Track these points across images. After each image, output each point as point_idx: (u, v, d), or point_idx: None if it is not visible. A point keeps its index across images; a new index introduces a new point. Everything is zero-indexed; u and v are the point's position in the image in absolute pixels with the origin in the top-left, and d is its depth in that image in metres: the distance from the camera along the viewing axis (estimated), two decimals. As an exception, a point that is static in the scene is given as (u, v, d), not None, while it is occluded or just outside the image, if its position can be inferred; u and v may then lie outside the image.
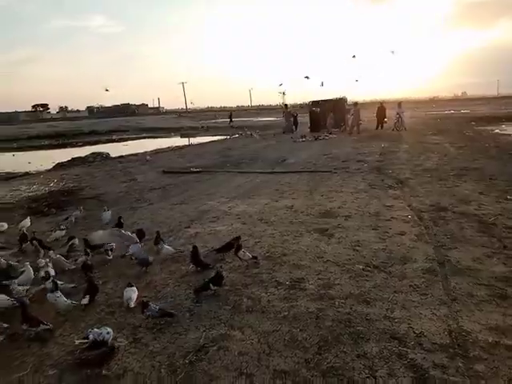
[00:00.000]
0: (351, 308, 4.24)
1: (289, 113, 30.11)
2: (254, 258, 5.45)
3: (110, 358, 3.58)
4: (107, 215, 7.91)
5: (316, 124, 28.52)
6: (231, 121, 43.47)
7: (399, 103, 26.10)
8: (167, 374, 3.36)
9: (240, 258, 5.43)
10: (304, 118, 32.64)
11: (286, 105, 30.97)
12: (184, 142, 32.33)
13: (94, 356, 3.58)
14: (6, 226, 7.81)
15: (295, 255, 5.73)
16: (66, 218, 8.06)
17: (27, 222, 7.72)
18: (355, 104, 26.02)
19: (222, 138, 31.30)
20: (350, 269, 5.20)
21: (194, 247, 5.47)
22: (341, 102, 28.66)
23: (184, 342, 3.79)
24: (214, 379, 3.26)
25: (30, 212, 9.28)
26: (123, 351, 3.73)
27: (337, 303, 4.34)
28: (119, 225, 6.97)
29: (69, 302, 4.50)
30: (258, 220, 7.64)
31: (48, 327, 4.09)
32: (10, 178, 15.79)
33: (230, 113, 47.36)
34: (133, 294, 4.53)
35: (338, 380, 3.16)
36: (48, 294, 4.55)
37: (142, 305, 4.16)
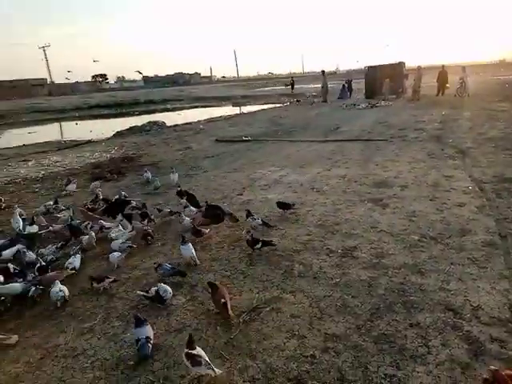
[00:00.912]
0: (405, 278, 4.19)
1: (325, 80, 28.58)
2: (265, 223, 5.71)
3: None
4: (175, 176, 8.66)
5: (372, 90, 27.33)
6: (292, 88, 42.12)
7: (463, 67, 24.20)
8: (223, 331, 3.56)
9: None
10: (358, 85, 31.42)
11: (323, 71, 29.57)
12: (235, 110, 32.42)
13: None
14: (75, 186, 8.61)
15: (348, 224, 5.70)
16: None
17: (97, 184, 8.54)
18: (418, 68, 24.33)
19: (273, 106, 31.00)
20: (404, 239, 5.10)
21: (248, 211, 5.79)
22: (399, 66, 27.09)
23: (238, 302, 3.96)
24: (267, 338, 3.41)
25: (94, 177, 9.90)
26: (181, 308, 3.98)
27: (390, 273, 4.31)
28: (180, 193, 7.22)
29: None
30: (310, 189, 7.62)
31: (113, 279, 4.48)
32: (74, 145, 16.80)
33: (292, 80, 45.85)
34: (190, 251, 4.83)
35: (390, 347, 3.19)
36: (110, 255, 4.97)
37: (156, 266, 4.54)
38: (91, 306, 4.18)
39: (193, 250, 4.84)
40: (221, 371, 2.96)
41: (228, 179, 8.98)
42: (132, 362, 3.25)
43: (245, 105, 37.34)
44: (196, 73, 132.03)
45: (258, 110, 28.22)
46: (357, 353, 3.15)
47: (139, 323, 3.40)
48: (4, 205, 7.87)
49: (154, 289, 4.03)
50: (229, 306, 3.68)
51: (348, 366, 3.03)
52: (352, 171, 8.67)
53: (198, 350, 3.00)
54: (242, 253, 5.05)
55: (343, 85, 30.83)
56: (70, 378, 3.16)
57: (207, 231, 5.57)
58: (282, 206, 6.30)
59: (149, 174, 9.19)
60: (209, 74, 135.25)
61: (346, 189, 7.40)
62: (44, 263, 4.87)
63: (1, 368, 3.36)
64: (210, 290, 3.94)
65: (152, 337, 3.37)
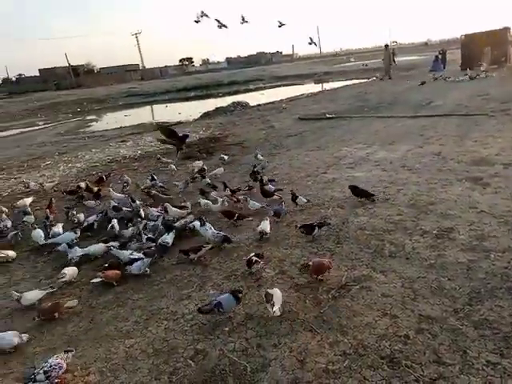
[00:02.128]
0: (509, 262, 3.86)
1: (387, 54, 25.94)
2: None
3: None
4: (260, 157, 8.83)
5: (469, 61, 24.74)
6: (394, 61, 38.95)
7: None
8: (312, 305, 3.62)
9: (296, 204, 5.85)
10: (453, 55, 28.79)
11: (386, 45, 27.00)
12: (318, 88, 31.72)
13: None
14: (174, 167, 9.11)
15: (443, 204, 5.36)
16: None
17: (199, 163, 9.05)
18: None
19: (358, 81, 29.73)
20: (509, 221, 4.67)
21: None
22: (501, 33, 24.19)
23: (326, 278, 3.98)
24: (357, 315, 3.39)
25: (185, 156, 10.49)
26: (271, 281, 4.12)
27: (492, 256, 3.99)
28: (254, 173, 7.40)
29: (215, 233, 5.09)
30: (400, 167, 7.26)
31: (210, 247, 4.82)
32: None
33: (393, 51, 42.09)
34: (267, 226, 5.02)
35: (493, 333, 2.99)
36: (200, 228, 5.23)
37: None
38: (188, 275, 4.51)
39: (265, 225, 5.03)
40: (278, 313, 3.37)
41: (311, 157, 8.92)
42: (227, 329, 3.47)
43: (327, 81, 36.33)
44: (277, 52, 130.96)
45: (342, 87, 27.32)
46: (455, 336, 3.01)
47: (232, 292, 3.62)
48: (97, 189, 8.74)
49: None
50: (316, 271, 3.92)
51: (445, 349, 2.91)
52: (447, 148, 8.06)
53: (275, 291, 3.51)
54: (330, 230, 5.03)
55: (436, 56, 28.41)
56: (173, 338, 3.47)
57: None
58: (359, 193, 5.79)
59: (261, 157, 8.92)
60: (290, 52, 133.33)
61: (440, 167, 6.93)
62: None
63: (113, 324, 3.80)
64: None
65: (224, 308, 3.51)
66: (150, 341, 3.47)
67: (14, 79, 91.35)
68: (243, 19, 18.91)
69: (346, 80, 33.58)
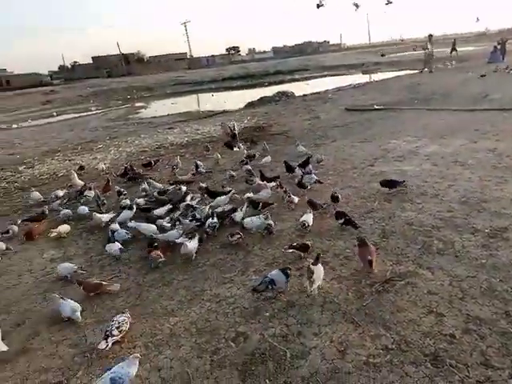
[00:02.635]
0: None
1: (430, 44, 24.09)
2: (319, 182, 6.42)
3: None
4: (301, 148, 8.76)
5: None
6: (455, 50, 36.60)
7: None
8: (354, 298, 3.59)
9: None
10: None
11: (430, 35, 25.10)
12: (366, 78, 30.83)
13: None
14: (219, 155, 9.25)
15: (497, 202, 5.09)
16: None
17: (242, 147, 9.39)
18: None
19: (409, 72, 28.57)
20: None
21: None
22: None
23: (370, 272, 3.92)
24: (401, 311, 3.33)
25: (229, 145, 10.60)
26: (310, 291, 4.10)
27: (551, 260, 3.77)
28: (306, 163, 7.28)
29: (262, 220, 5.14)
30: (452, 162, 6.96)
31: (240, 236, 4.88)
32: (211, 115, 18.11)
33: (454, 40, 39.51)
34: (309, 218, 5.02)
35: (549, 340, 2.84)
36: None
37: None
38: (231, 260, 4.60)
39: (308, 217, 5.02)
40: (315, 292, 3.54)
41: (358, 149, 8.73)
42: (268, 314, 3.52)
43: (376, 72, 35.19)
44: (325, 41, 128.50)
45: (392, 77, 26.36)
46: (506, 340, 2.89)
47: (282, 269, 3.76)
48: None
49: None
50: (374, 264, 3.84)
51: (494, 352, 2.80)
52: (504, 144, 7.62)
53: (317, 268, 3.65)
54: (375, 224, 4.94)
55: (495, 46, 26.71)
56: (215, 319, 3.57)
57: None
58: (387, 184, 5.82)
59: (301, 148, 8.80)
60: (338, 42, 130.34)
61: (495, 164, 6.57)
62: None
63: (159, 302, 3.96)
64: (357, 244, 4.06)
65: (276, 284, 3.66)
66: (194, 320, 3.59)
67: (69, 66, 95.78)
68: (320, 2, 18.50)
69: (398, 71, 32.35)
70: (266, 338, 3.23)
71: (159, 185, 7.37)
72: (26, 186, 9.10)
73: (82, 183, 7.98)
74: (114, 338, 3.32)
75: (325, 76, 39.60)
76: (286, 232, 5.09)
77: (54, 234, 5.76)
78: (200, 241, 4.89)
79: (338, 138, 10.04)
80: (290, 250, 4.39)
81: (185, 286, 4.19)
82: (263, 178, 6.90)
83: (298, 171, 6.97)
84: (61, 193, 7.55)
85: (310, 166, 7.12)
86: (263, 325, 3.39)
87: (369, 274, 3.87)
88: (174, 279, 4.34)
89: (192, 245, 4.68)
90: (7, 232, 5.96)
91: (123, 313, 3.57)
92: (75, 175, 8.24)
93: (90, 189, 7.22)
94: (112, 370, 2.86)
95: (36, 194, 7.58)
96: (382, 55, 32.59)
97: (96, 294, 4.18)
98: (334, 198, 5.53)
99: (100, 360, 3.26)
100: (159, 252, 4.68)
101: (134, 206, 6.09)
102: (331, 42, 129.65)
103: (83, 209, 6.51)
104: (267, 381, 2.84)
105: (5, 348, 3.47)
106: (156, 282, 4.33)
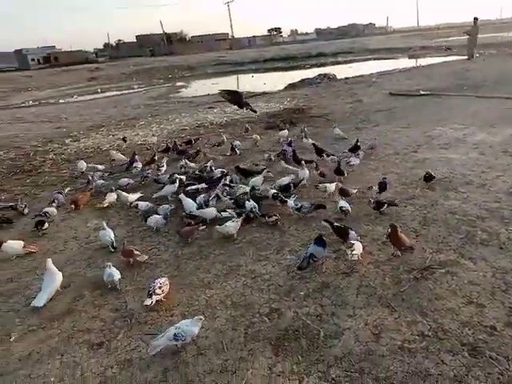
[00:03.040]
0: None
1: (475, 29, 21.75)
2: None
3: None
4: (337, 130, 8.67)
5: None
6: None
7: None
8: (391, 283, 3.54)
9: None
10: None
11: (475, 18, 22.44)
12: (412, 63, 29.58)
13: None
14: (258, 137, 9.20)
15: (550, 195, 4.83)
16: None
17: (285, 132, 9.20)
18: None
19: (458, 58, 27.15)
20: None
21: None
22: None
23: (409, 258, 3.86)
24: (439, 299, 3.26)
25: (268, 126, 10.57)
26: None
27: None
28: (356, 147, 7.10)
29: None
30: (502, 152, 6.62)
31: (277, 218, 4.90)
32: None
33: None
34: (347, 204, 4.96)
35: None
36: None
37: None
38: (266, 238, 4.64)
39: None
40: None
41: (401, 135, 8.47)
42: (302, 293, 3.54)
43: (423, 56, 33.65)
44: (370, 23, 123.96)
45: (439, 63, 25.16)
46: (551, 336, 2.77)
47: (316, 241, 3.83)
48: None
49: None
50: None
51: (538, 348, 2.70)
52: (561, 135, 7.16)
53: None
54: (416, 211, 4.81)
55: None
56: (250, 294, 3.64)
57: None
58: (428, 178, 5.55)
59: (338, 131, 8.74)
60: (384, 25, 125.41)
61: (551, 155, 6.21)
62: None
63: (196, 275, 4.07)
64: (389, 231, 4.00)
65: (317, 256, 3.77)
66: (229, 294, 3.68)
67: (113, 44, 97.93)
68: None
69: (445, 56, 30.81)
70: (300, 316, 3.27)
71: (193, 164, 7.49)
72: (72, 157, 9.49)
73: (124, 158, 8.26)
74: (158, 296, 3.55)
75: (369, 59, 38.28)
76: (323, 215, 5.05)
77: (106, 204, 6.06)
78: (245, 221, 4.94)
79: (381, 123, 9.76)
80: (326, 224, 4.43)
81: (221, 260, 4.29)
82: (295, 158, 6.86)
83: (330, 157, 6.79)
84: (100, 167, 7.92)
85: (361, 152, 6.91)
86: (297, 303, 3.43)
87: (407, 261, 3.81)
88: (210, 253, 4.44)
89: (234, 225, 4.74)
90: (53, 201, 6.26)
91: (162, 277, 3.79)
92: (115, 152, 8.64)
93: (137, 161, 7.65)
94: (176, 326, 3.04)
95: (82, 163, 8.00)
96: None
97: (136, 263, 4.34)
98: (383, 186, 5.27)
99: (139, 325, 3.41)
100: (189, 229, 4.80)
101: (177, 181, 6.24)
102: (377, 25, 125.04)
103: (125, 181, 6.77)
104: (299, 357, 2.88)
105: (41, 303, 3.75)
106: (194, 255, 4.45)
